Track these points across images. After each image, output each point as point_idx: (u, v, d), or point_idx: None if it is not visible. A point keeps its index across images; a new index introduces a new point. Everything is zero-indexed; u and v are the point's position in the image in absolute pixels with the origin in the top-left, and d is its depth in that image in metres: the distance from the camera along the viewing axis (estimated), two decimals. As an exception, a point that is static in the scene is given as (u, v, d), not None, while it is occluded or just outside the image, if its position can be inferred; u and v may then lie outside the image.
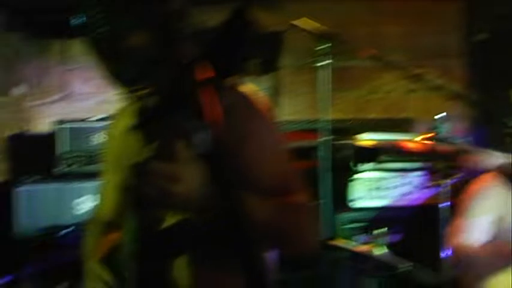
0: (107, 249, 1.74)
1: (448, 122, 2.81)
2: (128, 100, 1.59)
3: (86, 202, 3.16)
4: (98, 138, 3.23)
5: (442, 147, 2.67)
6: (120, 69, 1.45)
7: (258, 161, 1.46)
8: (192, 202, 1.31)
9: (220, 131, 1.08)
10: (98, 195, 1.92)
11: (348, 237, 2.92)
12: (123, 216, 1.89)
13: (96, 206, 1.93)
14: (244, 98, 1.51)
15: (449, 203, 2.57)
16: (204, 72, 0.87)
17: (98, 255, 1.73)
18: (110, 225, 1.85)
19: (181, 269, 1.52)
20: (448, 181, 2.59)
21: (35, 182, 3.13)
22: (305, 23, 2.91)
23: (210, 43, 1.00)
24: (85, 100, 3.80)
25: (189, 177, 1.28)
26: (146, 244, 1.48)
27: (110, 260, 1.71)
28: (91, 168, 3.20)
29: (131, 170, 1.34)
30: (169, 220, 1.45)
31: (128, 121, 1.61)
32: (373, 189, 3.18)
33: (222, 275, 1.51)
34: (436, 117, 2.79)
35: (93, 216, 1.91)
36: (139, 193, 1.31)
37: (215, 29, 1.04)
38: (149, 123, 1.55)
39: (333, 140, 3.22)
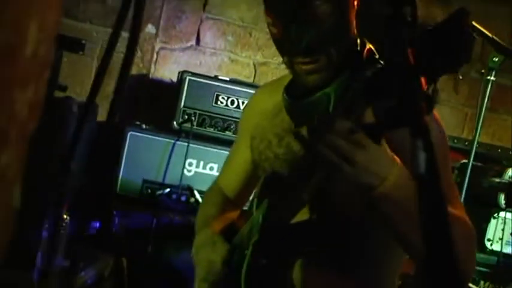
0: (223, 227, 1.74)
1: None
2: (288, 73, 1.57)
3: (195, 165, 3.15)
4: (223, 101, 3.22)
5: None
6: (297, 34, 1.42)
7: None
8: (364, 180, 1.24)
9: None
10: (224, 165, 1.93)
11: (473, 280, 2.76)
12: (247, 196, 1.91)
13: (219, 175, 1.95)
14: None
15: None
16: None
17: (214, 227, 1.73)
18: (230, 200, 1.87)
19: (296, 271, 1.50)
20: None
21: (146, 129, 3.15)
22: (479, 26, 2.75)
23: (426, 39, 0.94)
24: (215, 55, 3.80)
25: (375, 150, 1.22)
26: (269, 237, 1.48)
27: (223, 235, 1.72)
28: (208, 130, 3.20)
29: (312, 128, 1.31)
30: (300, 217, 1.42)
31: (277, 97, 1.64)
32: (515, 234, 2.98)
33: (334, 283, 1.50)
34: None
35: (215, 185, 1.93)
36: (316, 152, 1.25)
37: (431, 26, 0.99)
38: (308, 104, 1.53)
39: (481, 166, 3.05)
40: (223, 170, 1.96)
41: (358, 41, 1.54)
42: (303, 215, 1.44)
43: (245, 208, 1.87)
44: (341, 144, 1.20)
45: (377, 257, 1.54)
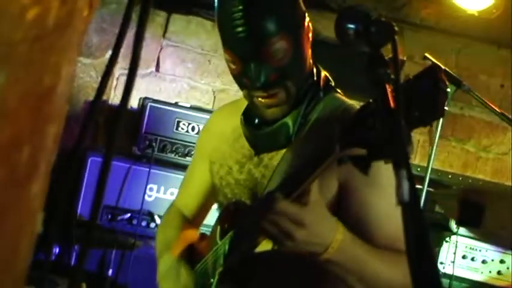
0: (184, 247, 1.77)
1: None
2: (246, 100, 1.61)
3: (155, 190, 3.15)
4: (184, 127, 3.26)
5: None
6: (256, 71, 1.46)
7: (384, 214, 1.46)
8: (307, 249, 1.34)
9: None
10: (181, 186, 1.95)
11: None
12: (204, 216, 1.93)
13: (177, 197, 1.97)
14: None
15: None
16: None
17: (175, 250, 1.77)
18: (188, 221, 1.90)
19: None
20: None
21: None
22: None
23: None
24: (174, 82, 3.83)
25: (315, 225, 1.31)
26: (234, 268, 1.52)
27: (185, 259, 1.73)
28: (169, 156, 3.21)
29: (253, 198, 1.36)
30: (264, 246, 1.47)
31: (235, 121, 1.68)
32: (466, 257, 3.09)
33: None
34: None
35: (172, 207, 1.96)
36: (256, 225, 1.35)
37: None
38: (264, 133, 1.58)
39: (433, 192, 3.16)
40: (180, 191, 1.96)
41: (315, 70, 1.60)
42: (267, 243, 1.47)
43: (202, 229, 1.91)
44: (282, 224, 1.29)
45: (338, 284, 1.58)
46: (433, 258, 0.66)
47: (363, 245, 1.39)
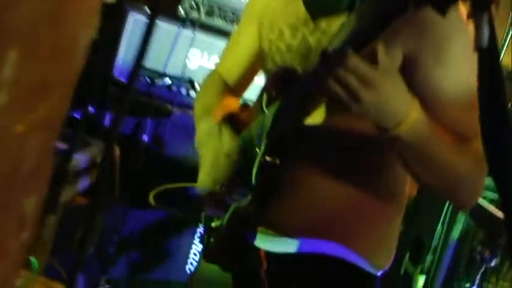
0: (224, 116, 1.66)
1: None
2: None
3: (199, 57, 3.01)
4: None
5: None
6: None
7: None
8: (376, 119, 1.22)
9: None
10: (225, 51, 1.86)
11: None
12: (247, 85, 1.81)
13: (220, 62, 1.87)
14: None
15: None
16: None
17: (215, 116, 1.67)
18: (230, 89, 1.79)
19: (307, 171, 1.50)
20: None
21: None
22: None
23: None
24: None
25: (387, 91, 1.19)
26: (283, 138, 1.44)
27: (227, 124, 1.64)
28: (216, 21, 3.05)
29: (320, 55, 1.23)
30: (315, 117, 1.39)
31: None
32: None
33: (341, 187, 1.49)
34: None
35: (214, 72, 1.84)
36: (322, 82, 1.22)
37: None
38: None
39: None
40: (224, 56, 1.86)
41: None
42: (318, 115, 1.40)
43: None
44: (350, 82, 1.17)
45: (386, 163, 1.50)
46: (505, 108, 0.60)
47: (433, 129, 1.28)
